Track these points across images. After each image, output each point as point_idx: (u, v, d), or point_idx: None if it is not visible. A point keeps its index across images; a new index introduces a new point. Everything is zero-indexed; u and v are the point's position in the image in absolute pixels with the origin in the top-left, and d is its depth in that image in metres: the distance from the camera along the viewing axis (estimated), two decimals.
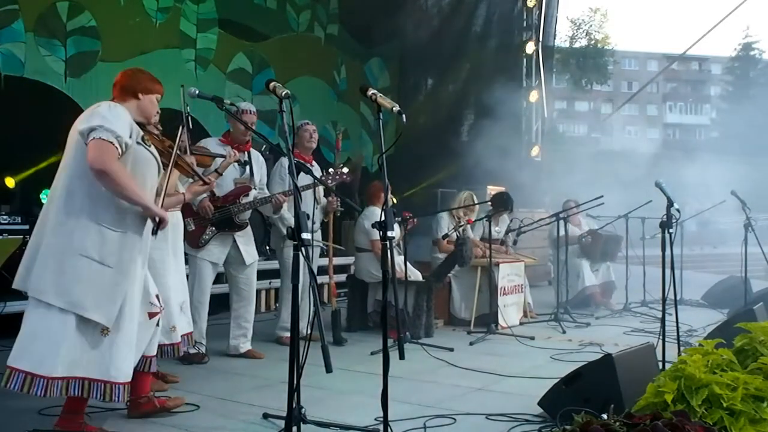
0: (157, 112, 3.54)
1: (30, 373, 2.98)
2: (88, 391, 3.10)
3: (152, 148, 3.33)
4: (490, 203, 7.08)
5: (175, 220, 4.21)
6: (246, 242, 5.09)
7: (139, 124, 3.32)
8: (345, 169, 5.27)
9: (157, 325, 3.45)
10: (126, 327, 3.17)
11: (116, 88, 3.33)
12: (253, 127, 4.93)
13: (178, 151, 3.57)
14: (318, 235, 5.81)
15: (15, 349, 3.04)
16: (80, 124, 3.13)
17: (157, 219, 3.23)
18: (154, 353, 3.51)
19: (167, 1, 7.78)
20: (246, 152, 5.08)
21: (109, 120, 3.06)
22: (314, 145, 5.66)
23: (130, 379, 3.19)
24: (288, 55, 9.36)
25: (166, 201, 3.47)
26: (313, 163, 5.68)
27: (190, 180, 3.99)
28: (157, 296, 3.46)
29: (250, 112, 5.04)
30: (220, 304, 5.10)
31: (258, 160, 5.21)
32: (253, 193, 5.08)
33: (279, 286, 7.48)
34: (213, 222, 4.89)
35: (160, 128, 3.85)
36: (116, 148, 3.05)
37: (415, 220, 6.32)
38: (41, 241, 3.10)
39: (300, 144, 5.61)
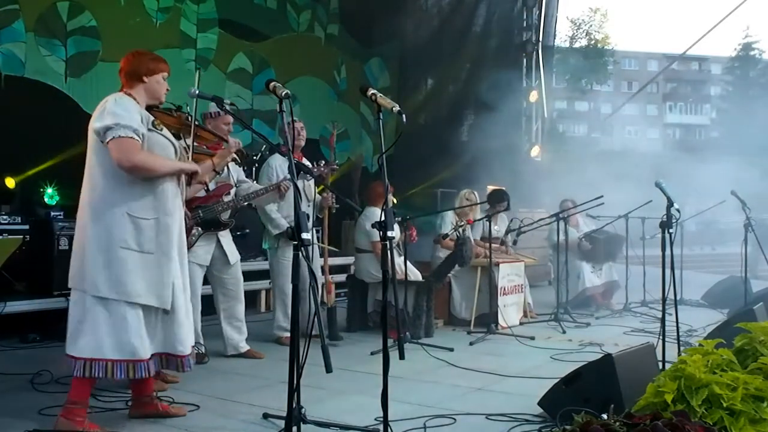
0: (167, 90, 3.54)
1: (130, 360, 3.20)
2: (165, 365, 3.42)
3: (164, 131, 3.42)
4: (487, 201, 7.10)
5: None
6: (228, 242, 5.06)
7: (150, 106, 3.42)
8: (323, 162, 5.38)
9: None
10: (180, 302, 3.38)
11: (122, 74, 3.40)
12: (230, 129, 4.96)
13: (196, 121, 3.63)
14: (313, 232, 5.80)
15: (82, 341, 3.17)
16: (93, 122, 3.21)
17: (191, 173, 3.46)
18: (189, 352, 3.51)
19: (167, 1, 7.79)
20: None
21: (121, 115, 3.16)
22: (303, 143, 5.68)
23: (189, 350, 3.43)
24: (288, 55, 9.36)
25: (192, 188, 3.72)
26: (303, 160, 5.68)
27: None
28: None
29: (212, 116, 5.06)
30: (209, 305, 5.12)
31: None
32: (234, 191, 5.06)
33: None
34: (198, 222, 4.86)
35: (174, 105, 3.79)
36: (137, 140, 3.17)
37: (415, 236, 6.33)
38: (84, 241, 3.23)
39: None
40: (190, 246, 4.84)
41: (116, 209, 3.21)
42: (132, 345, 3.20)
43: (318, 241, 5.96)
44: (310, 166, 5.52)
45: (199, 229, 4.88)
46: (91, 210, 3.24)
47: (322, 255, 5.91)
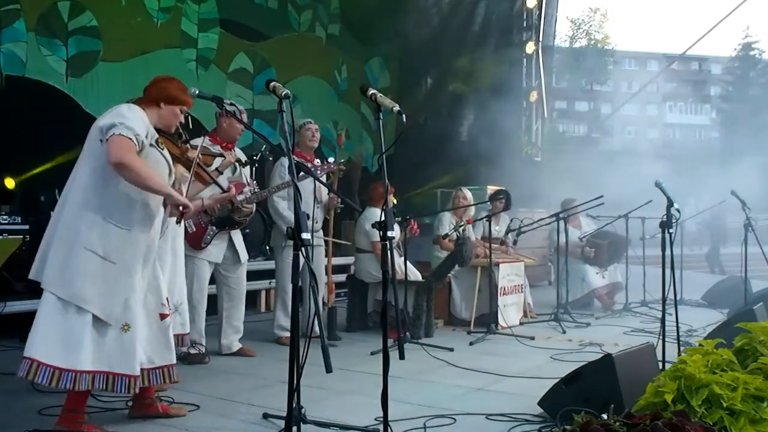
0: (180, 123, 3.55)
1: (58, 367, 3.06)
2: (112, 385, 3.17)
3: (165, 152, 3.41)
4: (489, 201, 7.10)
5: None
6: (240, 241, 5.12)
7: (159, 129, 3.42)
8: (331, 159, 5.41)
9: (169, 327, 3.46)
10: (140, 322, 3.26)
11: (145, 91, 3.44)
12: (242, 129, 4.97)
13: (198, 160, 3.61)
14: (320, 234, 5.82)
15: (35, 342, 3.09)
16: (100, 120, 3.23)
17: (181, 207, 3.31)
18: (175, 361, 3.48)
19: (168, 0, 7.79)
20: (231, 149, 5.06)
21: (129, 118, 3.18)
22: (316, 145, 5.70)
23: (138, 373, 3.25)
24: (289, 55, 9.37)
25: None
26: (316, 161, 5.69)
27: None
28: (167, 299, 3.48)
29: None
30: (210, 305, 5.15)
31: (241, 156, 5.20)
32: (246, 190, 5.08)
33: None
34: (213, 222, 4.90)
35: (185, 137, 3.84)
36: (135, 144, 3.15)
37: (417, 228, 6.31)
38: (54, 234, 3.18)
39: (302, 143, 5.63)
40: (205, 244, 4.88)
41: (92, 210, 3.15)
42: (71, 352, 3.08)
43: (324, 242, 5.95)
44: (320, 165, 5.56)
45: (214, 228, 4.92)
46: (70, 205, 3.20)
47: (326, 255, 5.92)
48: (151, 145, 3.29)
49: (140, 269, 3.27)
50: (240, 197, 4.99)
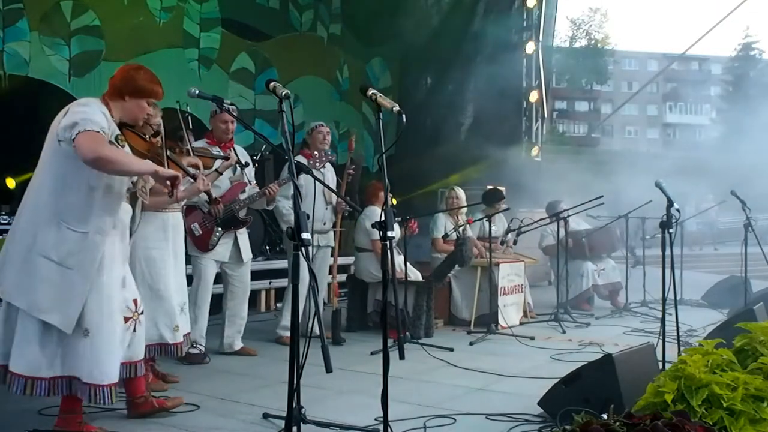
0: (160, 115, 3.48)
1: (27, 376, 3.02)
2: (75, 390, 3.11)
3: (126, 148, 3.23)
4: (483, 202, 7.11)
5: (176, 221, 4.21)
6: (244, 239, 5.14)
7: (124, 124, 3.27)
8: (329, 150, 5.46)
9: (134, 330, 3.32)
10: (106, 328, 3.13)
11: (109, 84, 3.28)
12: (230, 128, 4.96)
13: (168, 153, 3.53)
14: (330, 235, 5.82)
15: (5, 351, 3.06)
16: (57, 122, 3.09)
17: (169, 181, 3.15)
18: (140, 358, 3.40)
19: (170, 0, 7.79)
20: (232, 149, 5.05)
21: (87, 112, 3.04)
22: (326, 147, 5.70)
23: (115, 381, 3.16)
24: (291, 55, 9.37)
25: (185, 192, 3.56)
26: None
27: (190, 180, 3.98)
28: (135, 301, 3.36)
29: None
30: (215, 304, 5.16)
31: (244, 156, 5.19)
32: (249, 188, 5.10)
33: (279, 287, 7.52)
34: (218, 223, 4.91)
35: (160, 130, 3.71)
36: (104, 135, 3.01)
37: (416, 227, 6.31)
38: (10, 240, 3.12)
39: (313, 145, 5.65)
40: (212, 246, 4.90)
41: (49, 214, 3.04)
42: (30, 360, 3.03)
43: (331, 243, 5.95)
44: (333, 171, 5.60)
45: (219, 229, 4.93)
46: (27, 210, 3.12)
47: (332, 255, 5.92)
48: (110, 141, 3.07)
49: (103, 272, 3.13)
50: (242, 196, 5.00)
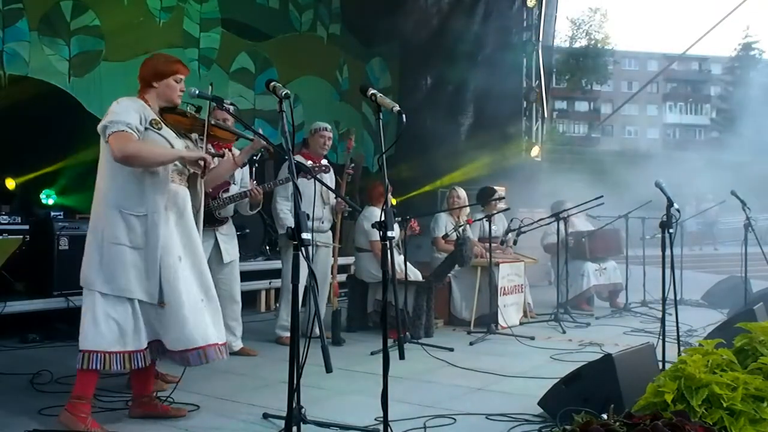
0: (181, 91, 3.54)
1: (125, 351, 3.27)
2: (156, 353, 3.42)
3: (164, 130, 3.44)
4: (478, 202, 7.11)
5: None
6: (227, 241, 5.01)
7: (166, 108, 3.48)
8: (324, 161, 5.49)
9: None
10: (181, 298, 3.35)
11: (138, 81, 3.50)
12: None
13: (212, 121, 3.65)
14: (329, 235, 5.82)
15: (92, 336, 3.25)
16: (100, 124, 3.35)
17: (200, 162, 3.43)
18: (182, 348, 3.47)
19: (170, 0, 7.79)
20: (229, 149, 5.02)
21: (117, 113, 3.29)
22: (326, 152, 5.69)
23: (222, 341, 3.47)
24: (291, 55, 9.37)
25: (218, 169, 3.81)
26: (323, 161, 5.68)
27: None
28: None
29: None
30: None
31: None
32: (233, 188, 5.02)
33: (278, 287, 7.51)
34: None
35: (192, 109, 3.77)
36: (131, 132, 3.25)
37: (417, 227, 6.30)
38: (87, 240, 3.39)
39: (313, 148, 5.63)
40: None
41: (111, 207, 3.32)
42: (126, 337, 3.29)
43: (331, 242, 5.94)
44: (332, 172, 5.60)
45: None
46: (93, 209, 3.40)
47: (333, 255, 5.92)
48: (146, 128, 3.35)
49: (172, 250, 3.37)
50: (225, 195, 4.92)
